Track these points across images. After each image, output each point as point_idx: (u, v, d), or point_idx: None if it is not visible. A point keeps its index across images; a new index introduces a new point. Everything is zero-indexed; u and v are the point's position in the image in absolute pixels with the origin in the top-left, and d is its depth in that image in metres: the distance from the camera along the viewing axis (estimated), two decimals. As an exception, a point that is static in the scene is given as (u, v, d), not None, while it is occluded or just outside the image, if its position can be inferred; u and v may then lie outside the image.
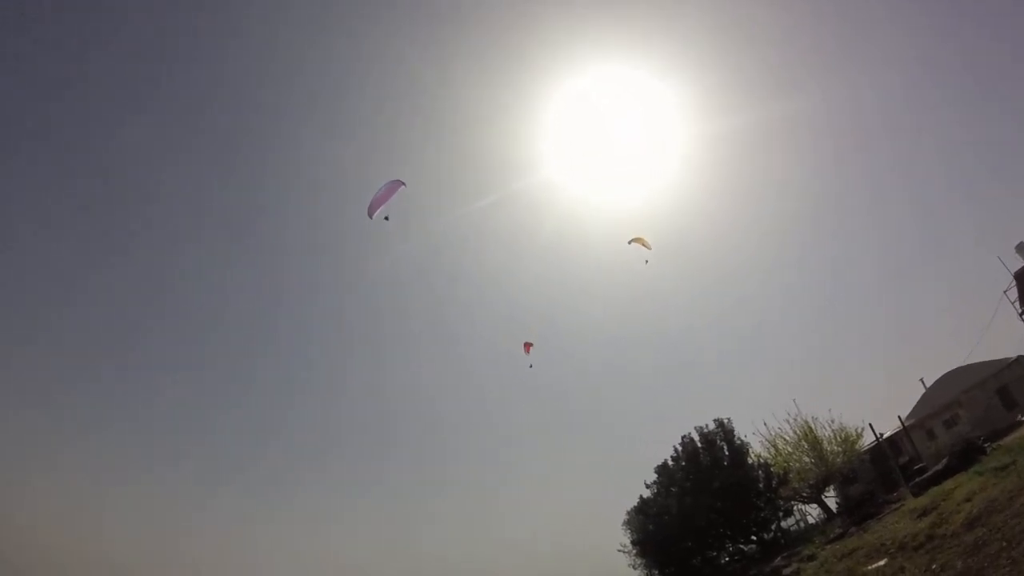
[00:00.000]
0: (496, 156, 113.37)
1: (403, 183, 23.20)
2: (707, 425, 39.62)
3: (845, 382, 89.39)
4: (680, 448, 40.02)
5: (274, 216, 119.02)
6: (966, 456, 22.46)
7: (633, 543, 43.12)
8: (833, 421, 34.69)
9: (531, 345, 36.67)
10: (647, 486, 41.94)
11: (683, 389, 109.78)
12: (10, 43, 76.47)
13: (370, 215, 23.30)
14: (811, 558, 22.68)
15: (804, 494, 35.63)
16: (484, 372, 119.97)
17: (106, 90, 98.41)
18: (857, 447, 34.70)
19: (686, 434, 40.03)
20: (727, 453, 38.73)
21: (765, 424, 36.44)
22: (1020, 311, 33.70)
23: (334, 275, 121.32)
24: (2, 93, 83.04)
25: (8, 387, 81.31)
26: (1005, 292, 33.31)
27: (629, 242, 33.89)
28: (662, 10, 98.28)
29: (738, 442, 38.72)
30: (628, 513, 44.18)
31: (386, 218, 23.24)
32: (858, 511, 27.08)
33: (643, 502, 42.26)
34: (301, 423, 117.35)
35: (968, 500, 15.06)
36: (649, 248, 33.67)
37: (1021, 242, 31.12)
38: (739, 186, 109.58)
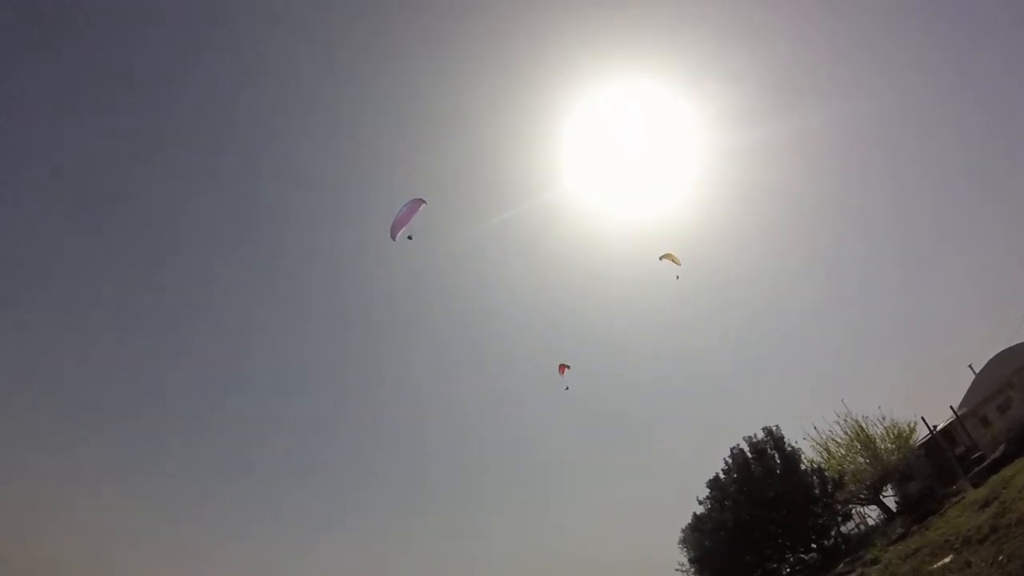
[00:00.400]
0: (515, 170, 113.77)
1: (424, 201, 23.35)
2: (755, 434, 39.37)
3: (891, 378, 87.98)
4: (730, 460, 39.71)
5: (294, 245, 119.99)
6: (1023, 441, 22.18)
7: (691, 561, 42.75)
8: (884, 418, 34.55)
9: (567, 367, 36.81)
10: (700, 502, 41.59)
11: (723, 400, 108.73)
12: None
13: (393, 236, 23.34)
14: (874, 562, 22.46)
15: (861, 496, 35.22)
16: (518, 389, 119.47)
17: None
18: (911, 442, 34.30)
19: (735, 445, 39.80)
20: (779, 461, 38.35)
21: (815, 428, 36.34)
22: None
23: (357, 294, 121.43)
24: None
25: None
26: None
27: (660, 258, 34.30)
28: (680, 22, 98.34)
29: (789, 449, 38.37)
30: (683, 531, 43.85)
31: (409, 237, 23.39)
32: (918, 508, 26.69)
33: (697, 518, 41.85)
34: (339, 447, 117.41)
35: (1028, 486, 14.94)
36: (679, 264, 33.98)
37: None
38: (762, 194, 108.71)
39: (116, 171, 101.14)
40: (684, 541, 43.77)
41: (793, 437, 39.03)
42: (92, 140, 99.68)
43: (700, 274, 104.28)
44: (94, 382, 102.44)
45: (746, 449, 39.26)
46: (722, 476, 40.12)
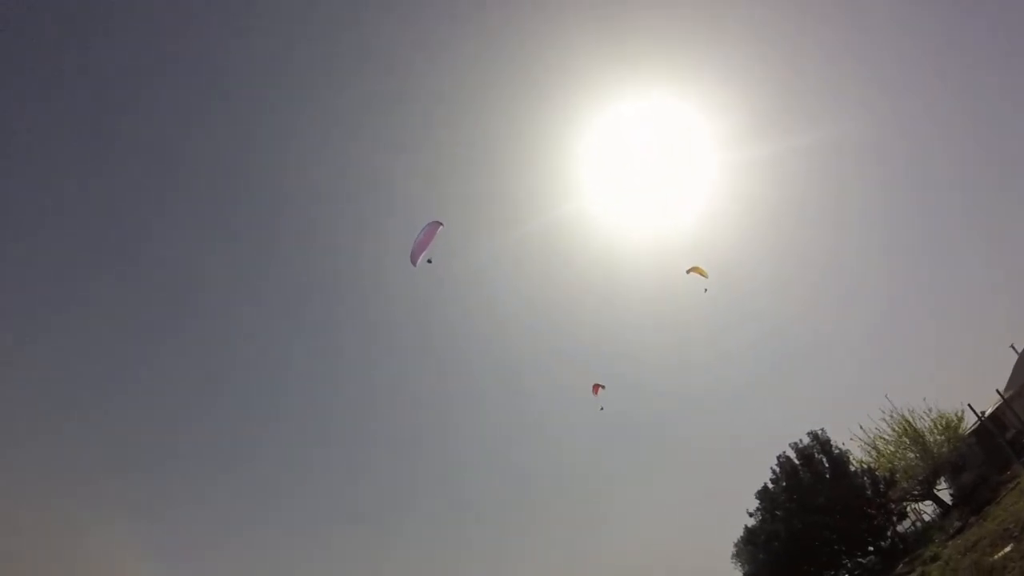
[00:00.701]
0: (532, 184, 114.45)
1: (441, 223, 23.60)
2: (801, 440, 38.96)
3: (931, 369, 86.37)
4: (777, 469, 39.31)
5: (319, 262, 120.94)
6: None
7: (746, 576, 42.08)
8: (931, 410, 34.11)
9: (600, 387, 36.81)
10: (750, 514, 41.10)
11: (760, 409, 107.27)
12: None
13: (413, 262, 23.51)
14: (934, 559, 22.06)
15: (915, 492, 34.60)
16: (551, 408, 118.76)
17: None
18: (960, 432, 33.77)
19: (781, 453, 39.37)
20: (827, 465, 37.88)
21: (861, 427, 35.81)
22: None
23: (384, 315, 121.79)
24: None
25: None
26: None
27: (687, 271, 34.52)
28: (698, 36, 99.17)
29: (836, 452, 37.93)
30: (736, 545, 43.26)
31: (429, 261, 23.59)
32: (974, 499, 26.28)
33: (749, 531, 41.30)
34: (384, 470, 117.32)
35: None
36: (706, 276, 34.16)
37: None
38: (783, 202, 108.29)
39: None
40: (737, 555, 43.17)
41: (840, 439, 38.58)
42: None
43: (724, 283, 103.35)
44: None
45: (793, 456, 38.83)
46: (770, 486, 39.67)
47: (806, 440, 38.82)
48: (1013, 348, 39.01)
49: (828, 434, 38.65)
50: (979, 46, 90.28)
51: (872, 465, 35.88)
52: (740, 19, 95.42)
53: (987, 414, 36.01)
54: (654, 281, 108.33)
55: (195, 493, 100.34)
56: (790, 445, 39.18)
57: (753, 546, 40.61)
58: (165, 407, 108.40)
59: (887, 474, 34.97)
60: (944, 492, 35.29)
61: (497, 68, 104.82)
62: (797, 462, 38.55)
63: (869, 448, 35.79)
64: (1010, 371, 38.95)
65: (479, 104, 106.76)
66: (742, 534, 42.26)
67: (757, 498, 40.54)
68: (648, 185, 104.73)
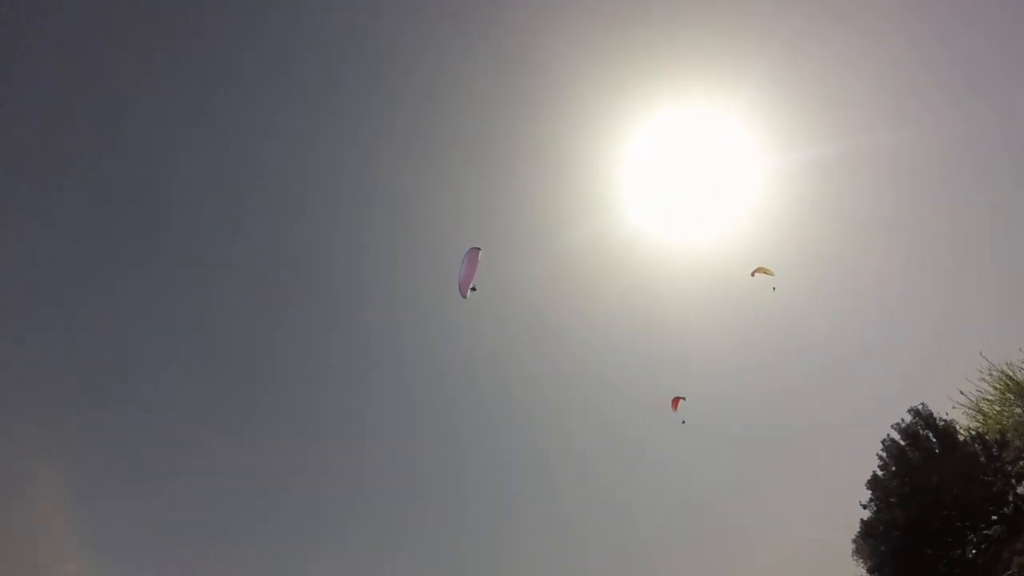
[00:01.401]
0: (571, 194, 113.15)
1: (479, 248, 23.51)
2: (902, 420, 38.50)
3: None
4: (884, 454, 38.73)
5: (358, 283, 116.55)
6: None
7: (870, 572, 40.83)
8: (1031, 358, 34.01)
9: (681, 399, 36.21)
10: (863, 506, 40.15)
11: (848, 397, 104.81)
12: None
13: (463, 294, 23.38)
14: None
15: (1029, 448, 34.32)
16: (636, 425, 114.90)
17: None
18: (1066, 374, 33.82)
19: (884, 437, 38.79)
20: (934, 440, 37.45)
21: (962, 392, 35.60)
22: None
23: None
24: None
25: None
26: None
27: (752, 273, 34.47)
28: (743, 42, 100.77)
29: (941, 423, 37.53)
30: (854, 541, 42.00)
31: (473, 288, 23.35)
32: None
33: (866, 525, 40.32)
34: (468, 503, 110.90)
35: None
36: (772, 274, 34.15)
37: None
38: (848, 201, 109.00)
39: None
40: (857, 552, 41.90)
41: (941, 410, 38.27)
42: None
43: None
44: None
45: (897, 438, 38.38)
46: (880, 473, 39.03)
47: (908, 419, 38.44)
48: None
49: (929, 408, 38.31)
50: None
51: (980, 430, 35.71)
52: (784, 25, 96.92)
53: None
54: (710, 286, 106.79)
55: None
56: (892, 427, 38.75)
57: (872, 539, 39.60)
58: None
59: (997, 436, 34.80)
60: (1060, 442, 35.19)
61: (536, 77, 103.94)
62: (903, 443, 38.09)
63: (974, 413, 35.80)
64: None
65: (514, 113, 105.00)
66: (858, 529, 41.24)
67: (868, 488, 39.78)
68: (694, 192, 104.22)
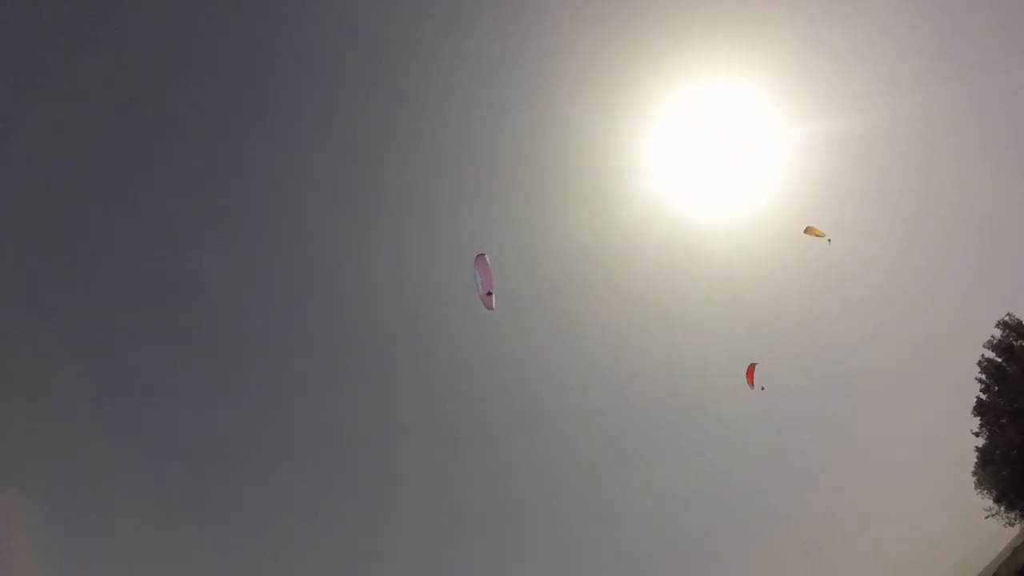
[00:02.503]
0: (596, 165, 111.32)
1: (484, 253, 23.51)
2: (992, 337, 37.78)
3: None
4: (983, 376, 37.82)
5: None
6: None
7: (997, 500, 39.59)
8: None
9: (755, 366, 35.39)
10: (975, 434, 38.99)
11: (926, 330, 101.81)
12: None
13: (490, 307, 23.52)
14: None
15: None
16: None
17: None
18: None
19: (979, 358, 37.78)
20: (1031, 346, 36.26)
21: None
22: None
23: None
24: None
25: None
26: None
27: (804, 231, 33.95)
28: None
29: (1033, 330, 36.35)
30: (974, 473, 40.79)
31: (489, 293, 23.39)
32: None
33: (982, 452, 39.60)
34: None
35: None
36: (822, 235, 33.54)
37: None
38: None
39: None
40: (980, 482, 40.84)
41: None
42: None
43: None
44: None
45: (992, 355, 37.50)
46: (983, 397, 38.16)
47: (998, 334, 37.53)
48: None
49: (1017, 317, 37.35)
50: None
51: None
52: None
53: None
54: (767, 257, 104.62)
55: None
56: (984, 345, 37.96)
57: (992, 465, 38.84)
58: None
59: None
60: None
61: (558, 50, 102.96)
62: (999, 360, 37.08)
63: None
64: None
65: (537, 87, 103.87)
66: (975, 459, 39.98)
67: (975, 415, 38.83)
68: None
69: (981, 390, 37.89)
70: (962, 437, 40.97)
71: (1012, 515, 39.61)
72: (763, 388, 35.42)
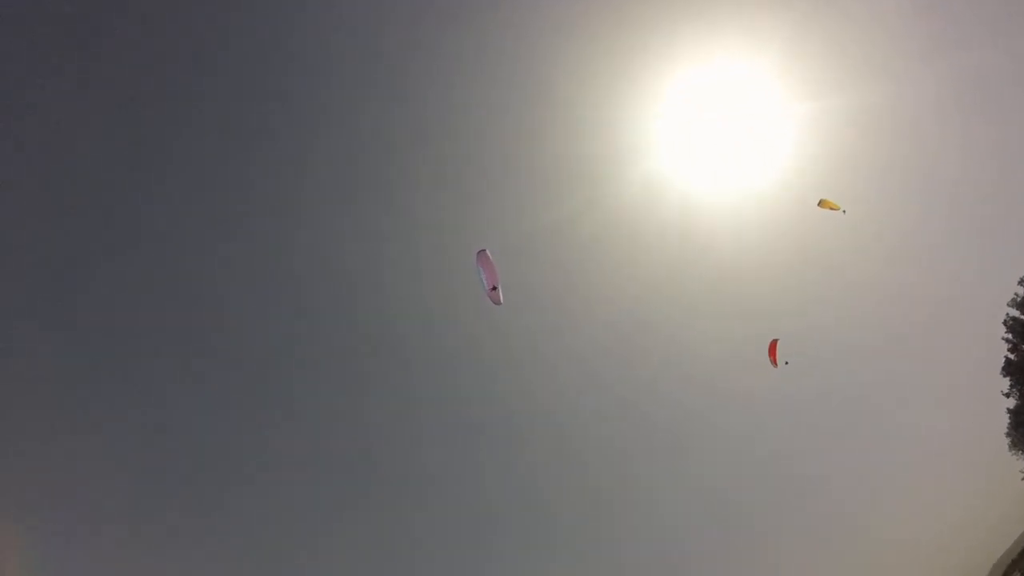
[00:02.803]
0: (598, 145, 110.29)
1: (485, 249, 23.37)
2: (1016, 294, 37.28)
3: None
4: (1009, 335, 37.10)
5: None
6: None
7: (1036, 461, 38.99)
8: None
9: (777, 341, 35.05)
10: (1005, 395, 38.55)
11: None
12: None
13: (497, 301, 23.41)
14: None
15: None
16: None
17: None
18: None
19: (1004, 317, 37.12)
20: (1056, 304, 35.65)
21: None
22: None
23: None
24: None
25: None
26: None
27: (818, 204, 33.83)
28: None
29: (1056, 284, 35.73)
30: (1008, 435, 40.17)
31: (494, 288, 23.26)
32: None
33: (1015, 412, 39.08)
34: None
35: None
36: (837, 208, 33.39)
37: None
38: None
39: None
40: (1014, 444, 40.16)
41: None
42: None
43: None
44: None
45: (1017, 313, 36.90)
46: (1011, 356, 37.59)
47: (1021, 291, 36.80)
48: None
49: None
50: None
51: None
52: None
53: None
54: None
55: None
56: (1009, 303, 37.40)
57: (1025, 426, 37.86)
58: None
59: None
60: None
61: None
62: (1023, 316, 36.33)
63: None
64: None
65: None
66: (1008, 420, 39.36)
67: (1004, 374, 38.40)
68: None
69: (1009, 349, 37.26)
70: (991, 399, 40.47)
71: (1049, 475, 39.04)
72: (787, 363, 35.06)
